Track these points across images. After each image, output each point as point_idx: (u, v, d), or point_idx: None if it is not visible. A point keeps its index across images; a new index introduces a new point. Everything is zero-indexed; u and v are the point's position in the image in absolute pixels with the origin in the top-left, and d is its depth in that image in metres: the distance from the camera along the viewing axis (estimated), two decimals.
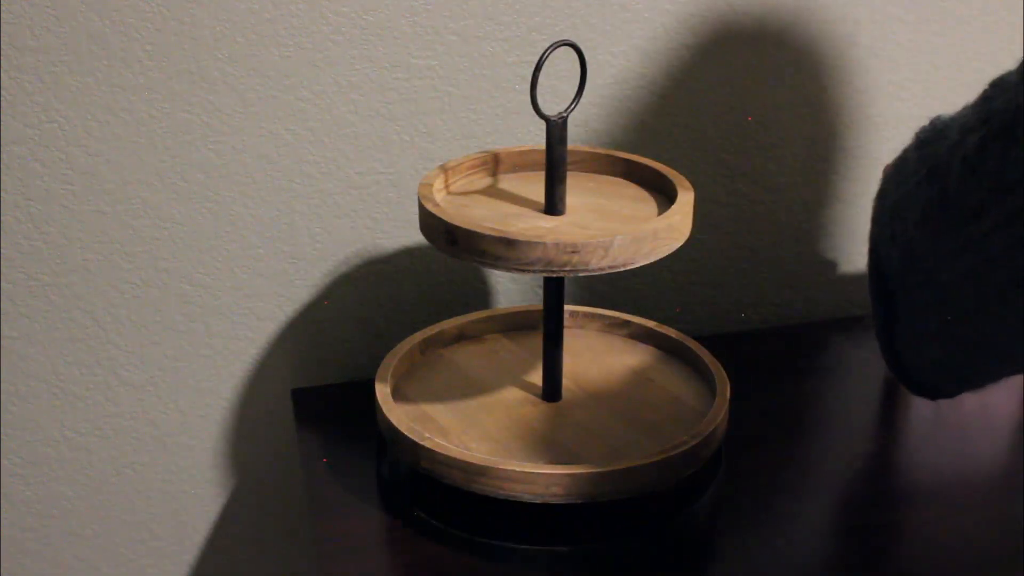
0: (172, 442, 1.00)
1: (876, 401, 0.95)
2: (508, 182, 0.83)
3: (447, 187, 0.81)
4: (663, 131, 1.00)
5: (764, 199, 1.06)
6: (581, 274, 0.71)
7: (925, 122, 0.64)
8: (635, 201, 0.80)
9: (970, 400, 0.95)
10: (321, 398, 0.95)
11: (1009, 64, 1.07)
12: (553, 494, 0.73)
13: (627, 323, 0.94)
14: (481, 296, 1.02)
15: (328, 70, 0.90)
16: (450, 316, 1.00)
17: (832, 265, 1.11)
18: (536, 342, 0.92)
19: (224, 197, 0.92)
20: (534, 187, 0.82)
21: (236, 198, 0.92)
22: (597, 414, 0.82)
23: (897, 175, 0.62)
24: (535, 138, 0.97)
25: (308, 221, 0.95)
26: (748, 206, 1.06)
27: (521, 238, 0.70)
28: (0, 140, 0.86)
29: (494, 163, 0.85)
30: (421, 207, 0.75)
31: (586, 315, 0.95)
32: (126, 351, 0.95)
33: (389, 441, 0.80)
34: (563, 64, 0.95)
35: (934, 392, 0.67)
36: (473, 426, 0.80)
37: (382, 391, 0.82)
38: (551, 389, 0.84)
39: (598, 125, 0.98)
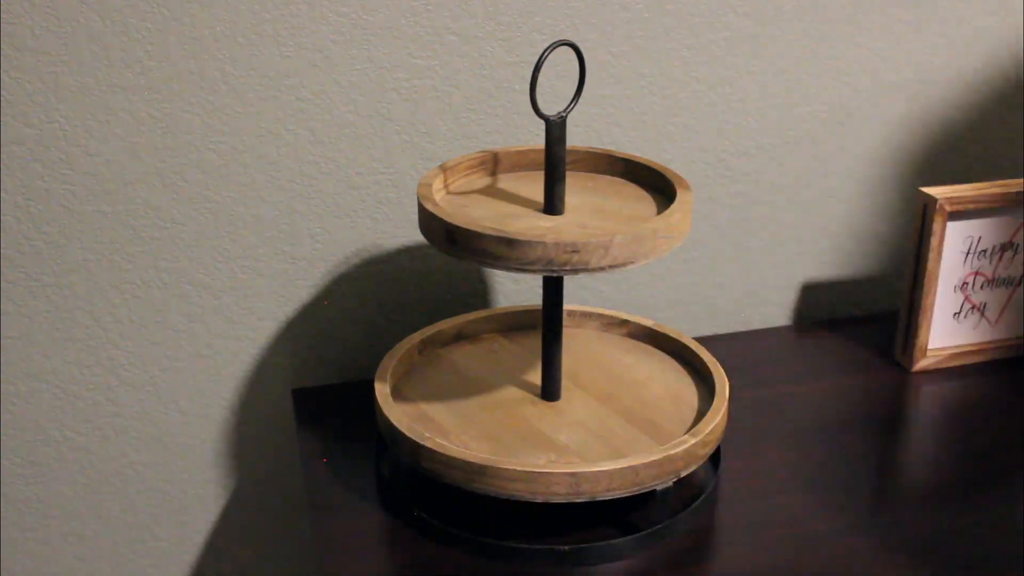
0: (172, 442, 1.00)
1: (876, 401, 0.95)
2: (507, 182, 0.83)
3: (447, 187, 0.81)
4: (663, 131, 1.00)
5: (764, 199, 1.06)
6: (581, 273, 0.71)
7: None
8: (635, 201, 0.80)
9: (970, 400, 0.95)
10: (321, 398, 0.96)
11: (1009, 64, 1.08)
12: (553, 494, 0.73)
13: (626, 322, 0.94)
14: (481, 296, 1.02)
15: (328, 70, 0.90)
16: (450, 316, 1.00)
17: (832, 265, 1.11)
18: (535, 342, 0.92)
19: (224, 197, 0.92)
20: (533, 187, 0.82)
21: (236, 198, 0.92)
22: (597, 414, 0.82)
23: None
24: (535, 138, 0.97)
25: (308, 221, 0.95)
26: (748, 206, 1.06)
27: (521, 238, 0.70)
28: (0, 140, 0.86)
29: (493, 163, 0.85)
30: (421, 207, 0.75)
31: (584, 314, 0.95)
32: (126, 351, 0.95)
33: (389, 441, 0.80)
34: (563, 64, 0.95)
35: None
36: (472, 426, 0.80)
37: (381, 391, 0.82)
38: (550, 388, 0.84)
39: (598, 125, 0.99)
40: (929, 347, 1.00)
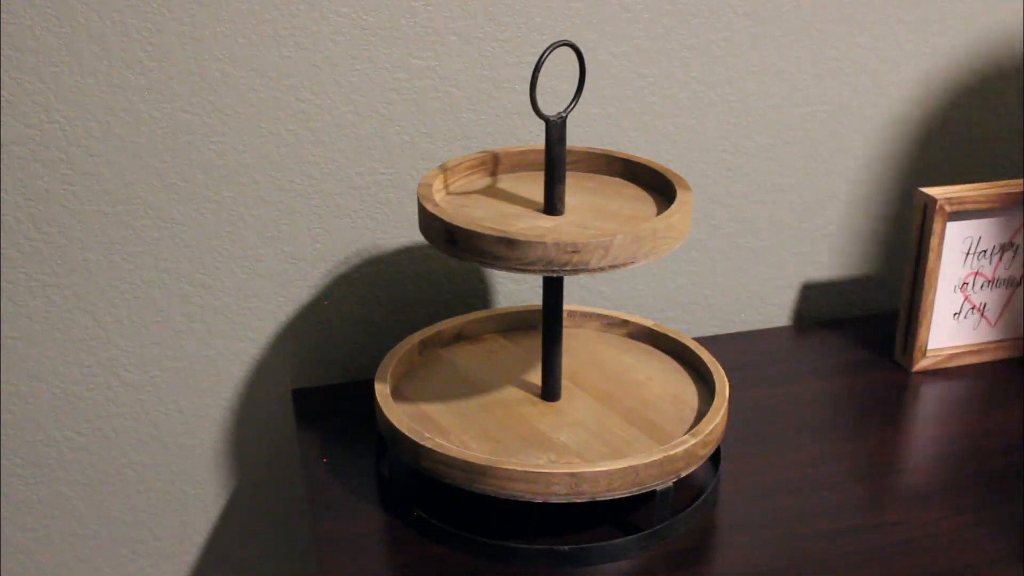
0: (172, 442, 1.00)
1: (876, 401, 0.95)
2: (507, 182, 0.83)
3: (447, 187, 0.81)
4: (663, 131, 1.00)
5: (764, 199, 1.06)
6: (581, 273, 0.71)
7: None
8: (634, 201, 0.80)
9: (970, 400, 0.95)
10: (321, 398, 0.96)
11: (1009, 64, 1.08)
12: (553, 493, 0.73)
13: (625, 322, 0.94)
14: (481, 296, 1.02)
15: (329, 71, 0.90)
16: (450, 316, 1.00)
17: (832, 265, 1.11)
18: (534, 342, 0.92)
19: (224, 197, 0.92)
20: (533, 187, 0.82)
21: (236, 198, 0.92)
22: (597, 413, 0.82)
23: None
24: (535, 138, 0.97)
25: (308, 221, 0.95)
26: (748, 206, 1.06)
27: (521, 238, 0.70)
28: (0, 140, 0.86)
29: (493, 163, 0.85)
30: (421, 207, 0.75)
31: (584, 314, 0.95)
32: (126, 351, 0.95)
33: (389, 441, 0.80)
34: (563, 64, 0.95)
35: None
36: (472, 426, 0.80)
37: (381, 391, 0.82)
38: (550, 388, 0.84)
39: (598, 125, 0.99)
40: (929, 347, 1.00)
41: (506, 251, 0.70)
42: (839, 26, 1.01)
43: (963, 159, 1.11)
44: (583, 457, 0.77)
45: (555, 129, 0.75)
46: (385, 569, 0.74)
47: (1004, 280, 1.00)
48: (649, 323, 0.93)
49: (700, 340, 1.05)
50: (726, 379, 0.84)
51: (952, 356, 1.00)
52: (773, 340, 1.06)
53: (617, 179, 0.85)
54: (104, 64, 0.85)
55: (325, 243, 0.96)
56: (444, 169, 0.81)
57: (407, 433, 0.76)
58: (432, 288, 1.00)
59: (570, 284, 1.03)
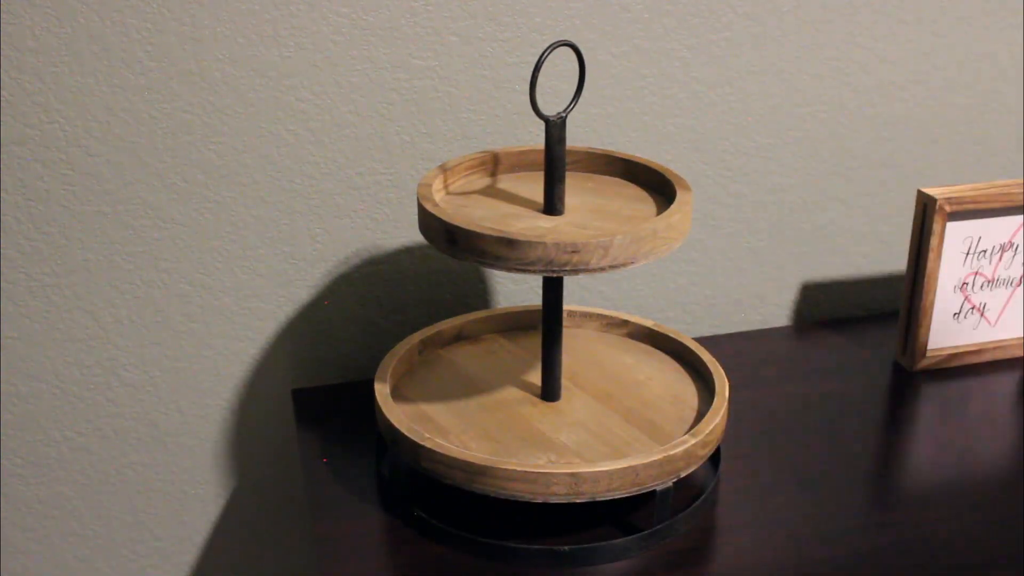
0: (172, 442, 1.00)
1: (876, 401, 0.95)
2: (507, 182, 0.83)
3: (446, 187, 0.81)
4: (663, 131, 1.00)
5: (764, 199, 1.06)
6: (581, 273, 0.71)
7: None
8: (634, 201, 0.80)
9: (970, 400, 0.95)
10: (321, 398, 0.96)
11: (1009, 64, 1.08)
12: (553, 494, 0.73)
13: (626, 323, 0.94)
14: (481, 296, 1.02)
15: (329, 71, 0.90)
16: (450, 316, 1.00)
17: (832, 265, 1.11)
18: (534, 342, 0.92)
19: (224, 197, 0.92)
20: (533, 187, 0.82)
21: (236, 198, 0.92)
22: (596, 414, 0.82)
23: None
24: (535, 138, 0.97)
25: (308, 221, 0.95)
26: (748, 206, 1.06)
27: (521, 238, 0.70)
28: (0, 140, 0.86)
29: (493, 163, 0.85)
30: (421, 207, 0.75)
31: (584, 315, 0.95)
32: (126, 351, 0.95)
33: (389, 441, 0.80)
34: (563, 64, 0.95)
35: None
36: (472, 426, 0.80)
37: (381, 391, 0.82)
38: (550, 388, 0.84)
39: (598, 125, 0.99)
40: (929, 347, 1.00)
41: (506, 251, 0.70)
42: (839, 26, 1.01)
43: (963, 159, 1.11)
44: (583, 457, 0.77)
45: (555, 129, 0.75)
46: (385, 569, 0.74)
47: (1004, 280, 1.00)
48: (649, 323, 0.93)
49: (700, 340, 1.05)
50: (726, 379, 0.84)
51: (952, 356, 1.00)
52: (773, 340, 1.06)
53: (617, 179, 0.85)
54: (104, 64, 0.85)
55: (325, 243, 0.96)
56: (444, 169, 0.81)
57: (407, 433, 0.76)
58: (432, 288, 1.00)
59: (570, 284, 1.03)
